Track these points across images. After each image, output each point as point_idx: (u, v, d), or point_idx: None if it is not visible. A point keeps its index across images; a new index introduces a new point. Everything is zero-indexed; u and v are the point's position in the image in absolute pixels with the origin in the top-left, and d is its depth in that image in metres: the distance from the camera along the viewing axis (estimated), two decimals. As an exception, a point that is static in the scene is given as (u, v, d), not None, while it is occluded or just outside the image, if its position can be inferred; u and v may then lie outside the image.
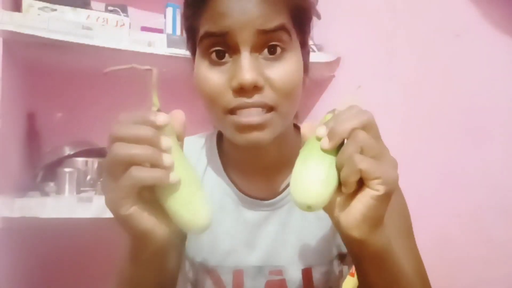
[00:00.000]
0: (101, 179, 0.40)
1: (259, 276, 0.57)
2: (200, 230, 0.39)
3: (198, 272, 0.59)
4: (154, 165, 0.36)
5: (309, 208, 0.38)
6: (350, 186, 0.38)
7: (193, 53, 0.54)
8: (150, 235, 0.38)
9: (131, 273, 0.45)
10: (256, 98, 0.46)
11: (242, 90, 0.46)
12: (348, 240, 0.41)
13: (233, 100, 0.47)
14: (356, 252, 0.43)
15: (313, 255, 0.57)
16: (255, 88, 0.46)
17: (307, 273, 0.57)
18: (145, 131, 0.35)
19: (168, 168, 0.36)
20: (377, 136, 0.38)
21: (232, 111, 0.47)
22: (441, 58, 1.01)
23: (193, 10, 0.50)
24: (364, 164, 0.36)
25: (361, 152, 0.37)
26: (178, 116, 0.39)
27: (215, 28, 0.46)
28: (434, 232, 0.98)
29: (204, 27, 0.48)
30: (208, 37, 0.47)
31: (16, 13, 0.99)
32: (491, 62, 0.89)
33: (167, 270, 0.48)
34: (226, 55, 0.47)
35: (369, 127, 0.38)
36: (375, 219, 0.39)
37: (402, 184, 0.62)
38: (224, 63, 0.48)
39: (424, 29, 1.05)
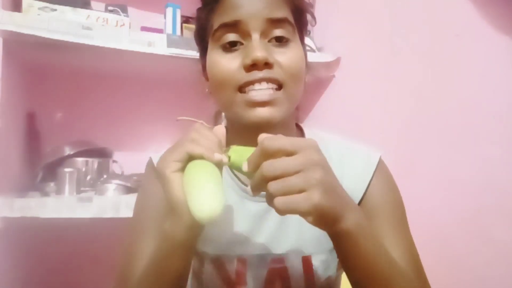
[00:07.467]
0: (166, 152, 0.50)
1: (261, 264, 0.59)
2: (204, 218, 0.41)
3: (201, 261, 0.61)
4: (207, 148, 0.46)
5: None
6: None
7: (203, 52, 0.60)
8: (182, 207, 0.45)
9: (159, 261, 0.50)
10: (266, 73, 0.52)
11: (254, 66, 0.52)
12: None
13: (245, 76, 0.52)
14: (328, 232, 0.44)
15: (312, 243, 0.59)
16: (266, 65, 0.52)
17: (306, 261, 0.59)
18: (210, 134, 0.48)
19: (215, 150, 0.46)
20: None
21: (244, 86, 0.53)
22: (441, 58, 1.01)
23: (207, 10, 0.57)
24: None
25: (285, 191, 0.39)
26: (220, 131, 0.50)
27: (229, 19, 0.53)
28: (434, 232, 0.98)
29: (219, 21, 0.55)
30: (222, 28, 0.54)
31: (16, 13, 0.99)
32: (491, 62, 0.89)
33: (188, 264, 0.53)
34: (238, 44, 0.54)
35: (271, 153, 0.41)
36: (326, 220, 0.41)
37: (402, 183, 0.62)
38: (235, 50, 0.54)
39: (424, 29, 1.05)
